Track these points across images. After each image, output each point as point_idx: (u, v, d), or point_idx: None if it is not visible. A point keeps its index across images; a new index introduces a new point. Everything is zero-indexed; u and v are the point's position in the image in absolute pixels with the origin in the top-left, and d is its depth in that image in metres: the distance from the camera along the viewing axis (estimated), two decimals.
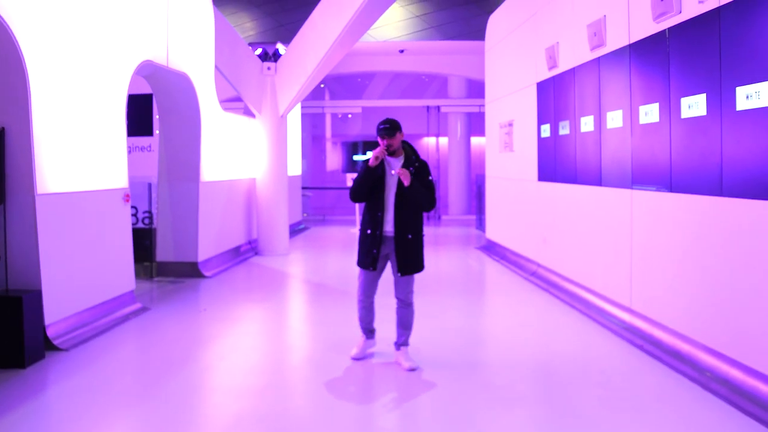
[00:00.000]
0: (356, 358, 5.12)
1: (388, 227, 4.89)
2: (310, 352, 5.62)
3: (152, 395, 4.47)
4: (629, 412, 4.06)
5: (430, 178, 4.95)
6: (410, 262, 4.88)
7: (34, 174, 5.26)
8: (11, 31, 4.97)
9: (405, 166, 4.88)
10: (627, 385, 4.59)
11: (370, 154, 4.88)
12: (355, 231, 14.56)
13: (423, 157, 6.15)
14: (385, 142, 4.84)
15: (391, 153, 4.89)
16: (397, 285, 5.00)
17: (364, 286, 5.09)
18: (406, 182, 4.74)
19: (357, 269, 5.13)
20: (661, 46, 5.25)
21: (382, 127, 4.89)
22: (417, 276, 5.04)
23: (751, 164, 4.14)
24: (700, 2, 4.67)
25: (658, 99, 5.30)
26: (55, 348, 5.35)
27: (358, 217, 13.40)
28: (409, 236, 4.86)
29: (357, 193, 4.94)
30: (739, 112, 4.23)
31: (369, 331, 5.23)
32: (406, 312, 5.02)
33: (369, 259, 4.92)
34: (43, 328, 5.31)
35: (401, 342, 5.04)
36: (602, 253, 6.52)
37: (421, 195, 4.83)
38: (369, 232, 4.93)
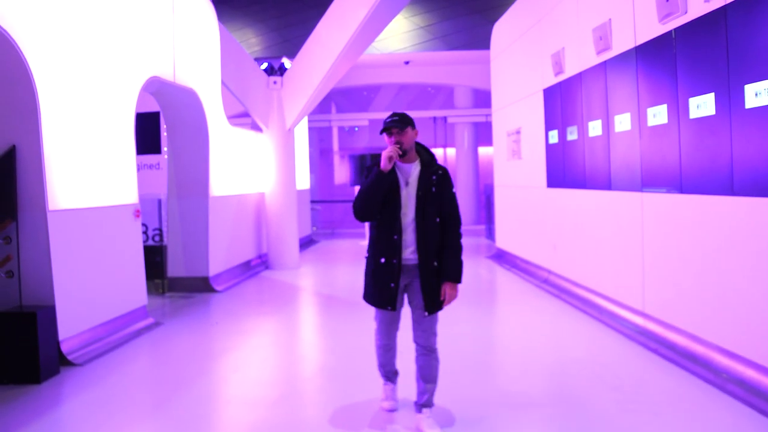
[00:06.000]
0: (391, 410, 4.18)
1: (409, 253, 3.79)
2: (322, 363, 5.60)
3: (167, 409, 4.47)
4: (645, 415, 4.02)
5: (453, 190, 3.89)
6: (438, 297, 3.82)
7: (46, 191, 5.30)
8: (19, 49, 5.03)
9: (423, 175, 3.79)
10: (642, 388, 4.55)
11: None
12: (364, 243, 14.53)
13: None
14: (393, 139, 3.75)
15: (402, 155, 3.77)
16: (417, 326, 3.88)
17: (382, 328, 4.01)
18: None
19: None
20: (668, 47, 5.25)
21: (389, 120, 3.76)
22: None
23: (762, 162, 4.12)
24: (705, 1, 4.67)
25: (666, 100, 5.29)
26: (69, 363, 5.37)
27: (367, 230, 13.25)
28: (436, 263, 3.79)
29: (365, 209, 3.78)
30: (749, 110, 4.21)
31: (392, 373, 4.23)
32: (429, 360, 3.87)
33: (386, 295, 3.79)
34: (58, 344, 5.33)
35: (423, 402, 3.89)
36: (614, 257, 6.48)
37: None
38: (383, 260, 3.78)
